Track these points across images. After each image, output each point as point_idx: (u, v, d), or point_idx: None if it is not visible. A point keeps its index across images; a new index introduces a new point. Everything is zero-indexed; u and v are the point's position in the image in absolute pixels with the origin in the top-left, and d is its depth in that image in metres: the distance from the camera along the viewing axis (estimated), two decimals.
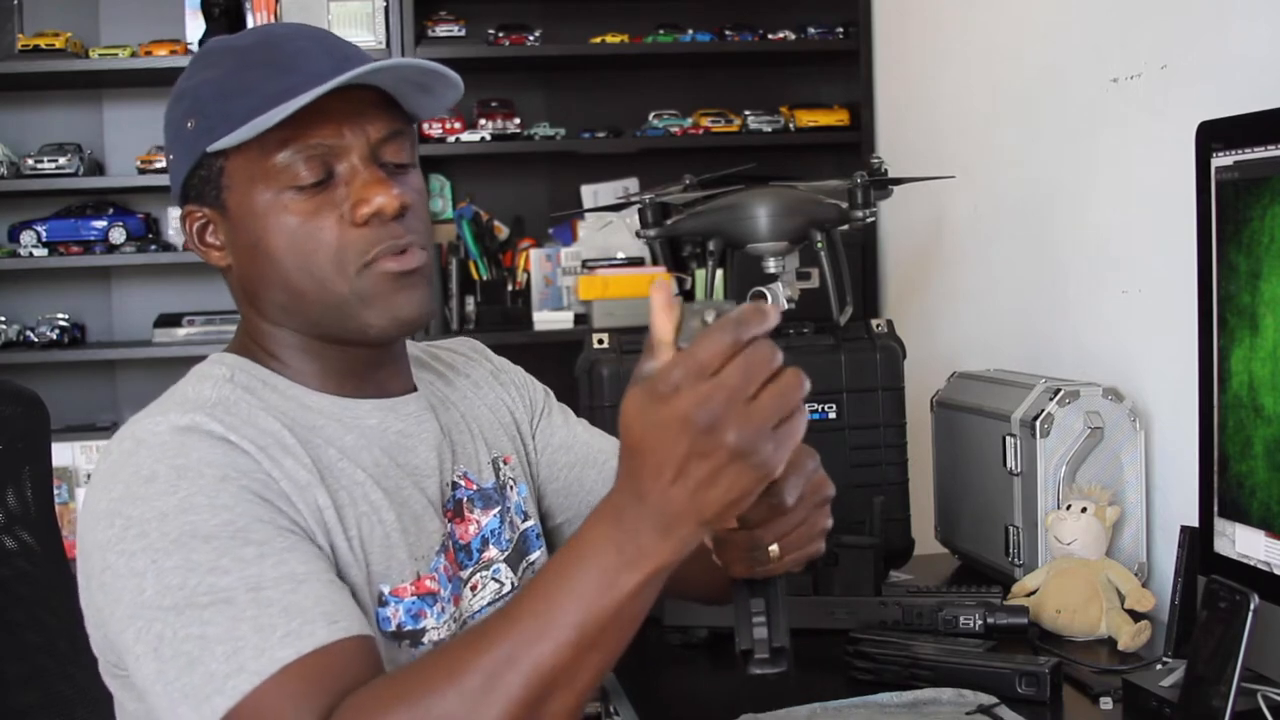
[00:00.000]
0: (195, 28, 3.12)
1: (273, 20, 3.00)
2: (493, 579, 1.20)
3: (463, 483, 1.20)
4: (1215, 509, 1.33)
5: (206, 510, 0.97)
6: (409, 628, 1.08)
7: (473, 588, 1.17)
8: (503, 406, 1.31)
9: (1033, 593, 1.61)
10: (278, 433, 1.06)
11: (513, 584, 1.21)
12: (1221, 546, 1.32)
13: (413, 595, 1.09)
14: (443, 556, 1.13)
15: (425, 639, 1.09)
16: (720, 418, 0.78)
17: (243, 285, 1.13)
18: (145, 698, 0.97)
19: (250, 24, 3.01)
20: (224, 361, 1.12)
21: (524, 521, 1.25)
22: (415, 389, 1.20)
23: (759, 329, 0.80)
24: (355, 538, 1.06)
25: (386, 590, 1.08)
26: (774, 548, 0.96)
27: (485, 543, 1.19)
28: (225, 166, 1.09)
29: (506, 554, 1.21)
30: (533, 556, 1.24)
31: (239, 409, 1.06)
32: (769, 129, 3.21)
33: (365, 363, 1.15)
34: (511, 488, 1.25)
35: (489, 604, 1.18)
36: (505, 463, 1.26)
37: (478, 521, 1.19)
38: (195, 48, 3.06)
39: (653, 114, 3.23)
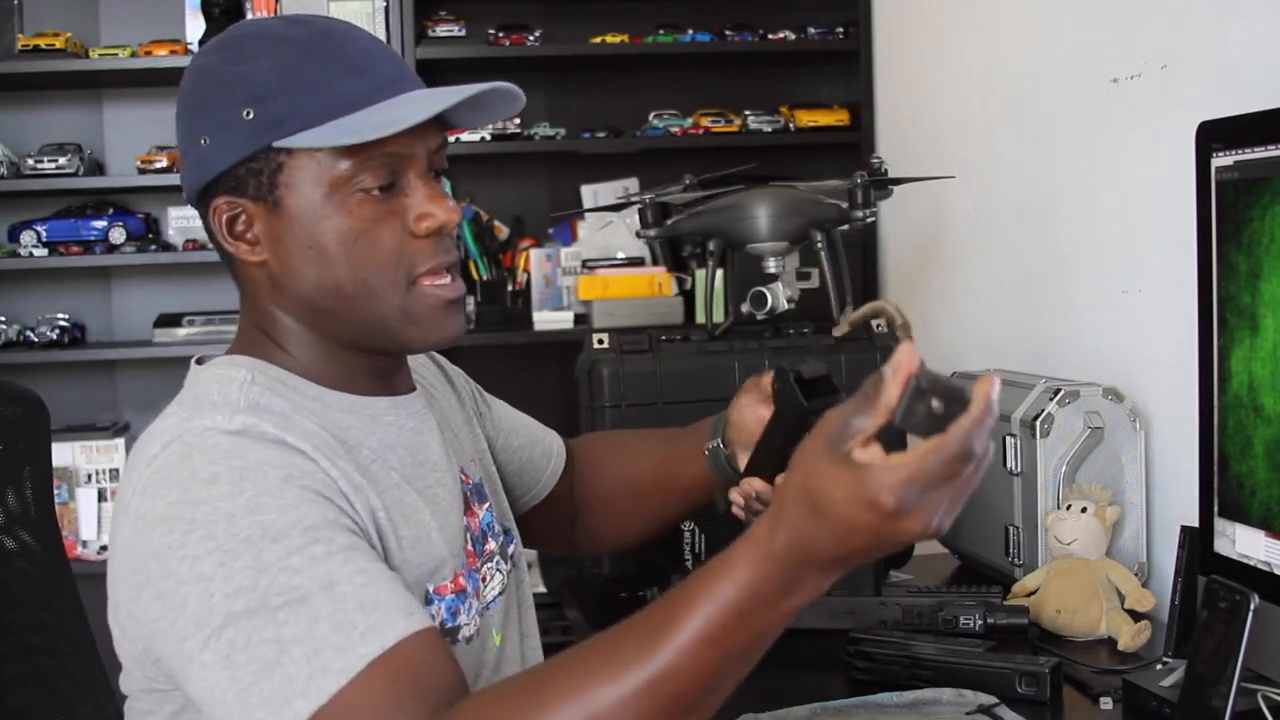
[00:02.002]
0: (195, 28, 3.12)
1: None
2: (497, 570, 1.21)
3: (463, 478, 1.20)
4: (1215, 509, 1.33)
5: (274, 510, 0.94)
6: (449, 625, 1.09)
7: (483, 579, 1.18)
8: (457, 405, 1.31)
9: (1033, 593, 1.61)
10: (320, 434, 1.03)
11: (504, 573, 1.22)
12: (1221, 546, 1.32)
13: (452, 592, 1.10)
14: (464, 552, 1.14)
15: (460, 635, 1.10)
16: (939, 523, 0.81)
17: (274, 283, 1.09)
18: (209, 709, 0.93)
19: None
20: (238, 364, 1.08)
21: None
22: (415, 389, 1.21)
23: (989, 431, 0.80)
24: (406, 538, 1.06)
25: (431, 589, 1.08)
26: None
27: (485, 535, 1.21)
28: (287, 163, 1.05)
29: (499, 545, 1.23)
30: (510, 548, 1.26)
31: (277, 409, 1.03)
32: (769, 129, 3.20)
33: (384, 366, 1.15)
34: (483, 483, 1.26)
35: (499, 594, 1.20)
36: (473, 462, 1.26)
37: (478, 515, 1.20)
38: (195, 47, 3.05)
39: (653, 114, 3.23)
